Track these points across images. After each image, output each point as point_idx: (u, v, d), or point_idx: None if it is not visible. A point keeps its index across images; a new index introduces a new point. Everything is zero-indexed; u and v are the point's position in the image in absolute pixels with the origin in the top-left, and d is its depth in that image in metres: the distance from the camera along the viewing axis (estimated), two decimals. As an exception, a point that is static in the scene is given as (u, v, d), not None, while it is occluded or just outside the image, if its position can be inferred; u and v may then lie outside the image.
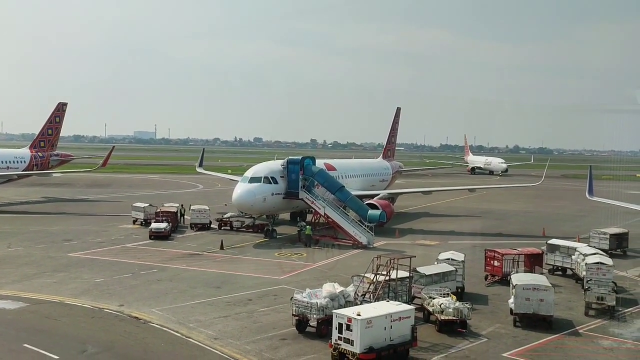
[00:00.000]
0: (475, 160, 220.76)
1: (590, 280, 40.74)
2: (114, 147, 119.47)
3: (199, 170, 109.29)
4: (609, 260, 43.77)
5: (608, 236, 59.11)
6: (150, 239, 62.16)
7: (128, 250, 56.82)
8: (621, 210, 68.93)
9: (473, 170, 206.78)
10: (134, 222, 72.33)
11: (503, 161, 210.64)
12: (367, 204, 68.44)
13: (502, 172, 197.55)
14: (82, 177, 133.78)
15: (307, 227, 62.41)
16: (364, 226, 62.14)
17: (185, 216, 74.69)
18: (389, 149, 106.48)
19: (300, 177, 64.95)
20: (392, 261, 37.56)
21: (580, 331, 35.90)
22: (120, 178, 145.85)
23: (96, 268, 49.21)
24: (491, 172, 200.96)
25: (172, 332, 33.97)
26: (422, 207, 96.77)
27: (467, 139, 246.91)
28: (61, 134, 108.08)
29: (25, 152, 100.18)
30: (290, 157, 67.78)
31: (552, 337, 34.69)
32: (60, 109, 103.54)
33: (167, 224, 64.53)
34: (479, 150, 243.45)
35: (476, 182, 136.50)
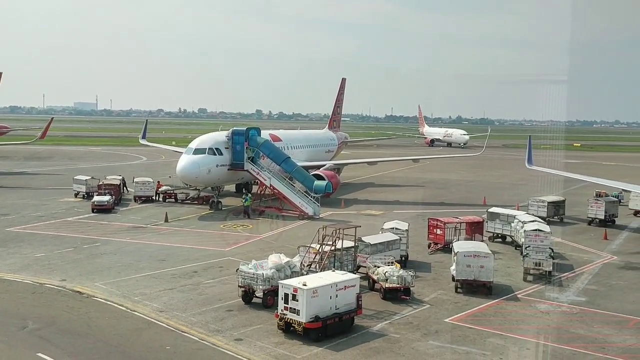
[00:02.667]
0: (433, 132, 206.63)
1: (529, 246, 42.04)
2: (52, 118, 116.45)
3: (142, 142, 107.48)
4: (546, 227, 45.18)
5: (546, 204, 60.88)
6: (92, 212, 60.96)
7: (70, 224, 55.63)
8: (559, 178, 71.26)
9: (432, 142, 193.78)
10: (76, 195, 70.82)
11: (465, 132, 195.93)
12: (313, 174, 68.64)
13: (463, 144, 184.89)
14: (20, 150, 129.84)
15: (248, 198, 62.52)
16: (310, 197, 62.39)
17: (127, 187, 73.80)
18: (334, 120, 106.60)
19: (246, 148, 64.49)
20: (337, 231, 37.90)
21: (518, 296, 37.12)
22: (60, 150, 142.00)
23: (36, 242, 48.06)
24: (449, 145, 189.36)
25: (116, 305, 33.61)
26: (367, 177, 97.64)
27: (421, 109, 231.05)
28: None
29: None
30: (235, 128, 67.12)
31: (492, 302, 35.78)
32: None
33: (110, 196, 63.37)
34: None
35: (420, 153, 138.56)
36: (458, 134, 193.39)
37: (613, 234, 56.42)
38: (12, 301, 34.08)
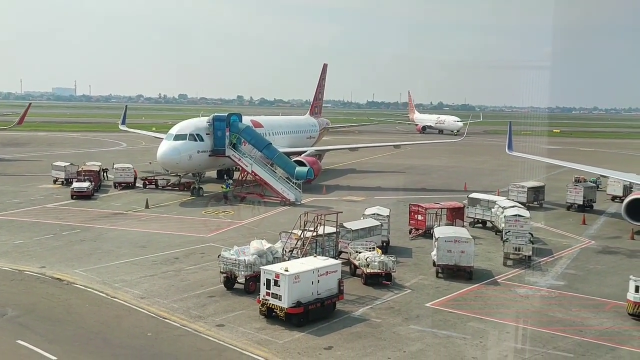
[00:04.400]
0: (424, 118, 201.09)
1: (509, 232, 42.40)
2: (30, 104, 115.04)
3: (122, 128, 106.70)
4: (526, 213, 45.66)
5: (526, 189, 61.38)
6: (72, 198, 60.43)
7: (49, 211, 55.09)
8: (538, 164, 71.81)
9: (424, 129, 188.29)
10: (55, 181, 70.13)
11: (458, 119, 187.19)
12: (294, 160, 68.52)
13: (456, 131, 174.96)
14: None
15: (228, 184, 62.61)
16: (291, 183, 62.33)
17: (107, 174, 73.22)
18: (316, 106, 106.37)
19: (227, 134, 64.17)
20: (319, 217, 37.95)
21: (498, 280, 37.48)
22: (38, 136, 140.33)
23: (15, 229, 47.56)
24: (441, 132, 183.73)
25: (96, 292, 33.41)
26: (348, 163, 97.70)
27: (411, 95, 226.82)
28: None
29: None
30: (216, 114, 66.69)
31: (473, 286, 36.09)
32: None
33: (89, 183, 62.83)
34: (404, 107, 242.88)
35: (402, 139, 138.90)
36: (451, 121, 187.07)
37: (591, 219, 57.10)
38: (-10, 288, 33.75)
